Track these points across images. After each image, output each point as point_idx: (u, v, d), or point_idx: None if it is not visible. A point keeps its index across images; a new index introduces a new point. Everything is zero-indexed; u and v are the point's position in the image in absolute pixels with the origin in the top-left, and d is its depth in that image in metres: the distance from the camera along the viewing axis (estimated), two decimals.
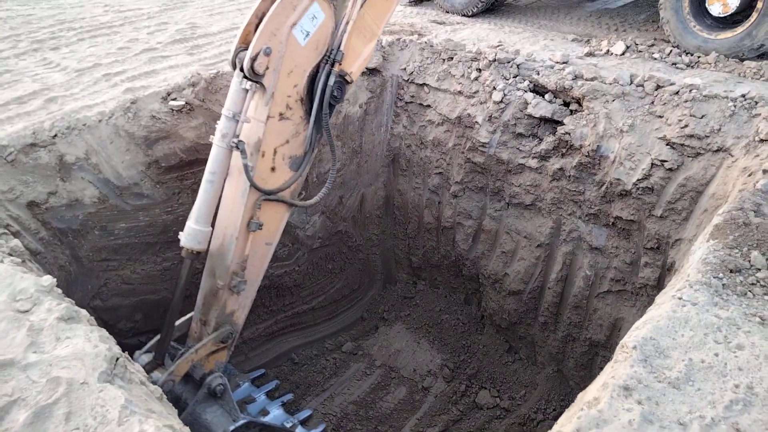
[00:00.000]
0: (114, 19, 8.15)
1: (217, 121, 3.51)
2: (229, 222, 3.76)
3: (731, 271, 2.68)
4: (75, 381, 2.27)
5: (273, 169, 3.70)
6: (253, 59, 3.15)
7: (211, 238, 3.78)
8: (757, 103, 4.39)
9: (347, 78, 3.71)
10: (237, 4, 9.04)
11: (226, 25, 7.84)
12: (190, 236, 3.58)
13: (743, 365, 2.21)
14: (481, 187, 6.13)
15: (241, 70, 3.24)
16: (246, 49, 3.22)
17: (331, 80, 3.58)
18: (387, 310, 7.46)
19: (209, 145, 5.30)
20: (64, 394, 2.21)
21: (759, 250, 2.78)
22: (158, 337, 4.01)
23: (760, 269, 2.68)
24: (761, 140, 4.14)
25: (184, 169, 5.29)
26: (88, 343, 2.47)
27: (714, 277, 2.66)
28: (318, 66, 3.59)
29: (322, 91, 3.58)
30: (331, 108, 3.71)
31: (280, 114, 3.54)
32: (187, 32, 7.42)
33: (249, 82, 3.30)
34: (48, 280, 2.85)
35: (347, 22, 3.58)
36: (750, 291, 2.57)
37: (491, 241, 6.24)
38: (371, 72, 6.37)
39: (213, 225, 3.81)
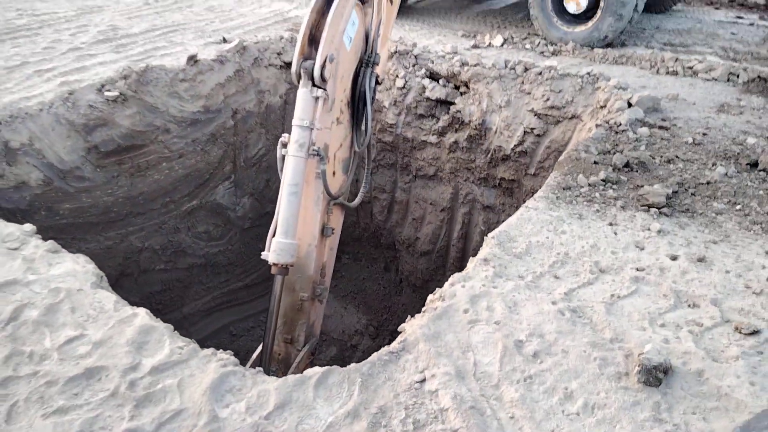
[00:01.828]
0: (31, 22, 8.34)
1: (284, 135, 3.49)
2: (305, 232, 3.69)
3: (563, 189, 3.71)
4: (72, 289, 2.89)
5: (333, 173, 3.76)
6: (322, 67, 3.22)
7: None
8: (598, 78, 5.58)
9: (378, 79, 3.89)
10: (154, 8, 9.46)
11: (146, 26, 8.28)
12: (283, 251, 3.40)
13: (564, 242, 3.20)
14: (392, 164, 7.04)
15: (310, 79, 3.29)
16: (306, 59, 3.31)
17: (373, 81, 3.72)
18: None
19: (144, 132, 5.95)
20: (66, 297, 2.83)
21: (583, 174, 3.83)
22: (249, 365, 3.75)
23: (582, 186, 3.73)
24: (601, 107, 5.31)
25: (122, 154, 5.80)
26: (76, 264, 3.08)
27: (551, 193, 3.67)
28: (357, 70, 3.70)
29: (369, 91, 3.69)
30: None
31: (337, 119, 3.61)
32: (110, 33, 7.81)
33: (319, 90, 3.33)
34: (30, 226, 3.40)
35: (379, 25, 3.74)
36: (575, 200, 3.60)
37: (403, 210, 7.16)
38: (289, 66, 7.11)
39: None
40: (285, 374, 2.94)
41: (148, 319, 2.70)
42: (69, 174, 5.41)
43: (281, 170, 3.44)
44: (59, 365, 2.45)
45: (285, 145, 3.42)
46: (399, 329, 2.72)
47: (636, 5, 6.63)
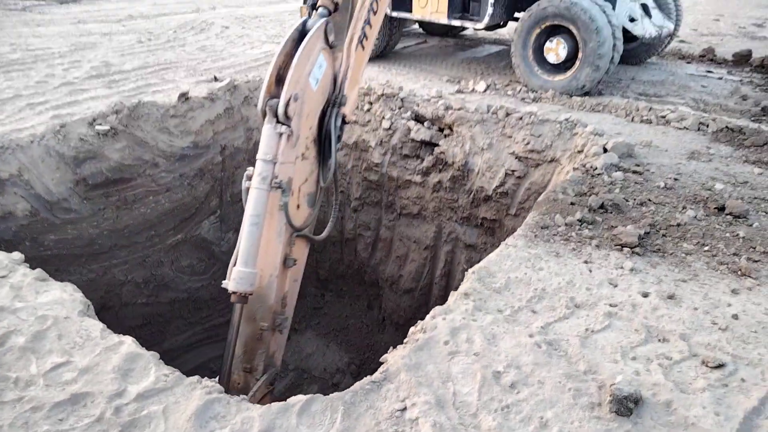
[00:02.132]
0: (25, 57, 8.51)
1: (249, 168, 3.63)
2: (266, 263, 3.75)
3: (541, 228, 3.87)
4: (59, 317, 2.92)
5: (298, 206, 3.89)
6: (286, 105, 3.40)
7: None
8: (575, 124, 5.84)
9: (345, 119, 4.14)
10: (147, 47, 9.69)
11: (139, 63, 8.48)
12: (242, 280, 3.48)
13: (542, 278, 3.33)
14: (377, 202, 7.19)
15: (275, 116, 3.47)
16: (272, 98, 3.48)
17: (338, 121, 3.94)
18: (298, 321, 8.18)
19: (133, 166, 6.04)
20: (53, 324, 2.86)
21: (560, 215, 4.00)
22: None
23: (559, 226, 3.89)
24: (578, 151, 5.54)
25: (110, 186, 5.87)
26: (64, 293, 3.12)
27: (530, 232, 3.82)
28: (324, 110, 3.93)
29: (335, 130, 3.92)
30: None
31: (303, 154, 3.79)
32: (102, 69, 7.98)
33: (283, 127, 3.49)
34: (18, 255, 3.44)
35: (347, 69, 4.03)
36: (552, 239, 3.75)
37: (387, 248, 7.27)
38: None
39: None
40: None
41: (135, 347, 2.74)
42: (56, 205, 5.46)
43: (245, 202, 3.53)
44: (45, 391, 2.47)
45: (250, 178, 3.54)
46: (381, 360, 2.79)
47: (612, 58, 6.98)
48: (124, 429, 2.30)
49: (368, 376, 2.60)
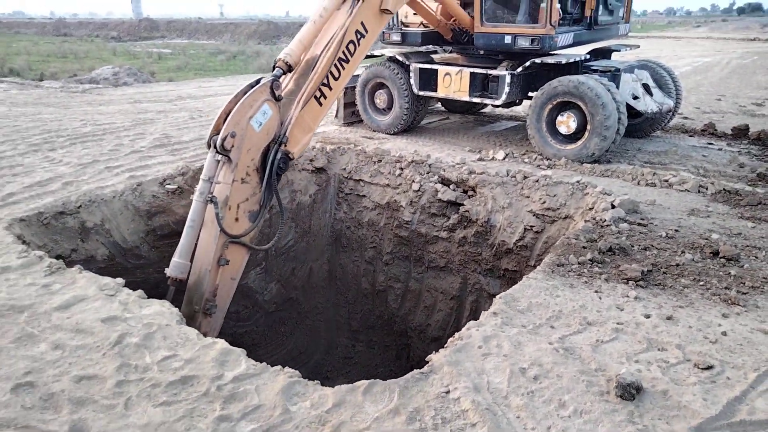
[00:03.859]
0: (95, 130, 9.65)
1: (196, 185, 4.84)
2: (204, 260, 4.81)
3: (558, 266, 4.50)
4: (162, 324, 3.59)
5: (237, 219, 4.90)
6: (224, 140, 4.52)
7: (189, 271, 4.86)
8: (586, 186, 6.56)
9: (290, 156, 5.20)
10: (200, 122, 10.83)
11: (194, 136, 9.54)
12: (175, 267, 4.69)
13: (558, 303, 3.92)
14: (407, 256, 7.86)
15: (215, 147, 4.62)
16: (218, 134, 4.63)
17: (278, 156, 5.03)
18: (330, 370, 8.66)
19: None
20: (158, 329, 3.52)
21: (574, 255, 4.63)
22: None
23: (573, 264, 4.51)
24: (589, 208, 6.23)
25: (174, 237, 6.60)
26: (163, 307, 3.81)
27: (548, 268, 4.45)
28: (269, 146, 5.03)
29: (271, 163, 4.99)
30: (278, 176, 5.16)
31: (242, 179, 4.84)
32: (164, 140, 9.04)
33: (220, 156, 4.63)
34: (120, 279, 4.16)
35: (291, 119, 5.20)
36: (567, 274, 4.37)
37: (416, 298, 7.86)
38: (318, 170, 8.21)
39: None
40: None
41: (227, 345, 3.38)
42: (129, 252, 6.24)
43: None
44: (160, 374, 3.10)
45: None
46: (426, 359, 3.38)
47: (618, 129, 7.78)
48: (226, 400, 2.90)
49: (416, 369, 3.19)
